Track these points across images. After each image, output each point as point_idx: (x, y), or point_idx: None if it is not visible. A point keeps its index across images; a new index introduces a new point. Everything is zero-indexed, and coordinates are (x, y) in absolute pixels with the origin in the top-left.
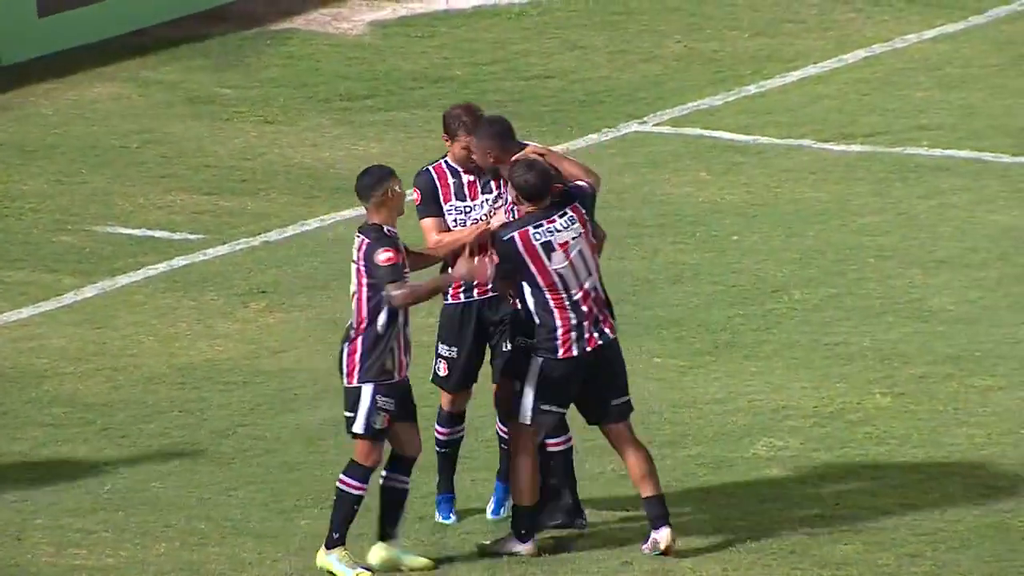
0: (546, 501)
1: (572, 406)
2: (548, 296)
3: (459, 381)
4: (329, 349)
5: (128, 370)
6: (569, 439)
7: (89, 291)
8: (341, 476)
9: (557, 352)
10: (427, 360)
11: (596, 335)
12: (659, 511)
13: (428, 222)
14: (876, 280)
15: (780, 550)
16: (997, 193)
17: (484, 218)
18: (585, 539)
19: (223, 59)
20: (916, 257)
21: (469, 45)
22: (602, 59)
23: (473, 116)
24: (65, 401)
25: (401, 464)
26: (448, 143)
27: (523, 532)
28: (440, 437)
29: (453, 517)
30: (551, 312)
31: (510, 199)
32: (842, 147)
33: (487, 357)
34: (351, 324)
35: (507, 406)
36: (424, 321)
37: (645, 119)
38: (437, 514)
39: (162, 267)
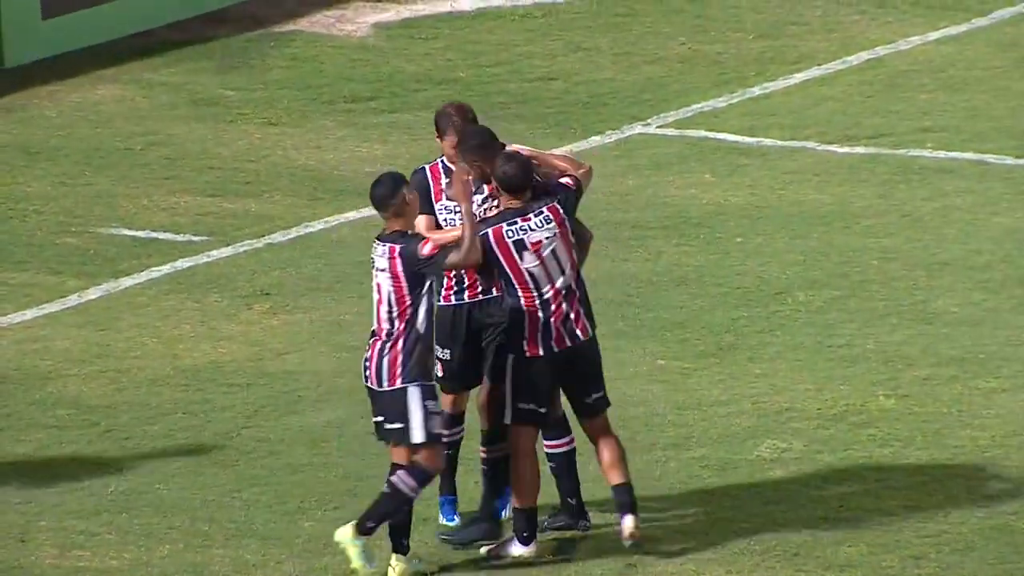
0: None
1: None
2: (520, 294)
3: (456, 383)
4: (333, 351)
5: (132, 372)
6: (571, 440)
7: (93, 293)
8: (400, 473)
9: (525, 350)
10: None
11: (566, 335)
12: (626, 499)
13: (419, 220)
14: (880, 282)
15: (784, 552)
16: (1001, 195)
17: (479, 215)
18: (588, 541)
19: (227, 61)
20: (920, 259)
21: (473, 47)
22: (606, 61)
23: (463, 116)
24: (69, 403)
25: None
26: (440, 141)
27: (525, 534)
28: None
29: (456, 519)
30: (521, 310)
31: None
32: (846, 149)
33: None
34: (385, 332)
35: (490, 411)
36: None
37: (649, 121)
38: (440, 516)
39: (166, 269)
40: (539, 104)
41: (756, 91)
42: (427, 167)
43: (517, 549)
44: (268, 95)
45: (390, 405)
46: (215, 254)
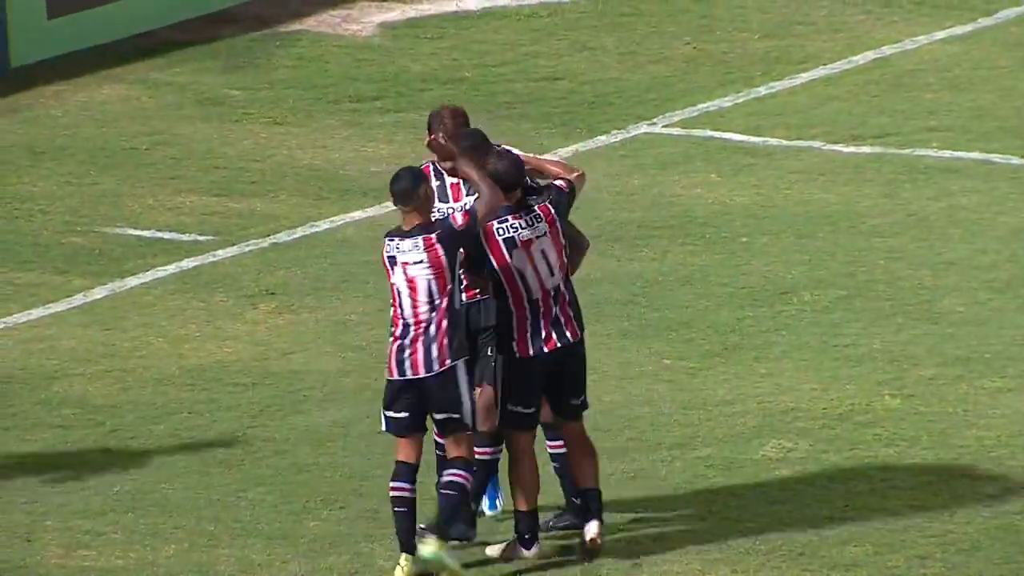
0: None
1: None
2: (508, 293)
3: None
4: (338, 351)
5: (137, 372)
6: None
7: (98, 292)
8: (454, 471)
9: (515, 352)
10: None
11: (556, 337)
12: (596, 505)
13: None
14: (886, 282)
15: (789, 551)
16: (1007, 195)
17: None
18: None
19: (232, 60)
20: (926, 259)
21: (478, 46)
22: (612, 60)
23: (455, 120)
24: (74, 402)
25: (413, 473)
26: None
27: (527, 536)
28: (439, 439)
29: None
30: (510, 311)
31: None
32: (852, 149)
33: None
34: (424, 321)
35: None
36: None
37: (654, 120)
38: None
39: (171, 268)
40: (545, 104)
41: (762, 91)
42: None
43: (521, 552)
44: (274, 95)
45: (440, 391)
46: (221, 254)
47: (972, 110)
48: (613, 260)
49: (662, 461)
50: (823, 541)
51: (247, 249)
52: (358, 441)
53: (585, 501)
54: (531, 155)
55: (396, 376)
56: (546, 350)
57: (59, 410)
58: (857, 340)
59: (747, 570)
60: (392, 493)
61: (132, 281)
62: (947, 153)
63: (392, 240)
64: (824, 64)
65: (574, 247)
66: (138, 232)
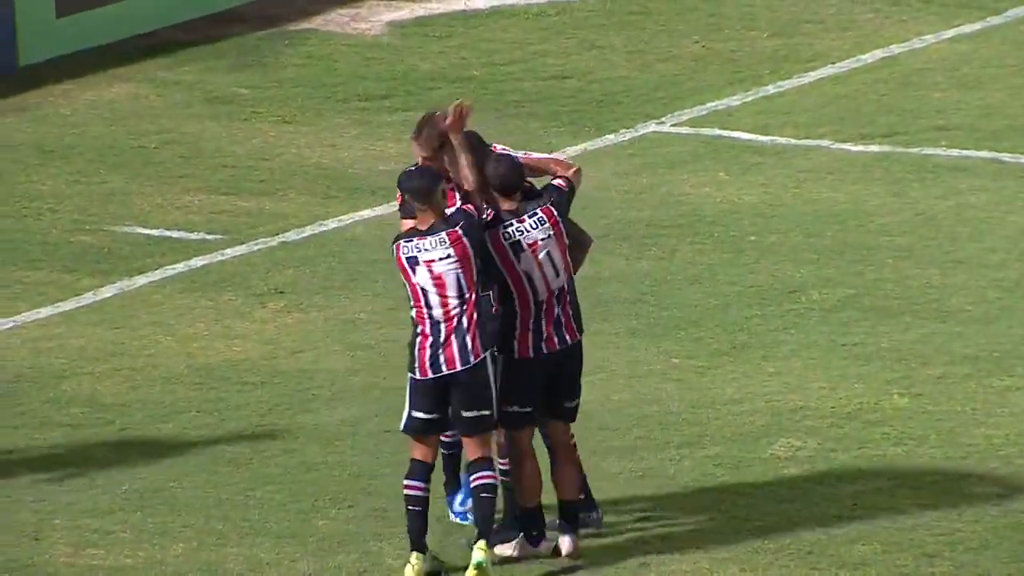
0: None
1: None
2: (515, 296)
3: None
4: (347, 349)
5: (146, 370)
6: (571, 436)
7: (107, 291)
8: (485, 473)
9: (515, 352)
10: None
11: (557, 338)
12: (574, 517)
13: (409, 223)
14: (894, 281)
15: (798, 550)
16: (1015, 194)
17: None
18: (602, 540)
19: (241, 59)
20: (934, 257)
21: (487, 45)
22: (620, 59)
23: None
24: (83, 401)
25: (428, 472)
26: (414, 140)
27: (535, 534)
28: (444, 439)
29: (471, 516)
30: (514, 312)
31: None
32: (860, 147)
33: None
34: (455, 316)
35: None
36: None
37: (663, 119)
38: (451, 515)
39: (180, 267)
40: (553, 102)
41: (770, 89)
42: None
43: (528, 548)
44: (282, 93)
45: (471, 386)
46: (229, 252)
47: (981, 109)
48: (621, 259)
49: (671, 460)
50: (831, 539)
51: (256, 248)
52: (367, 440)
53: (564, 513)
54: (526, 153)
55: (431, 375)
56: (546, 351)
57: (68, 409)
58: (865, 339)
59: (755, 569)
60: (406, 492)
61: (141, 280)
62: (956, 152)
63: (410, 241)
64: (833, 63)
65: (576, 245)
66: (147, 231)
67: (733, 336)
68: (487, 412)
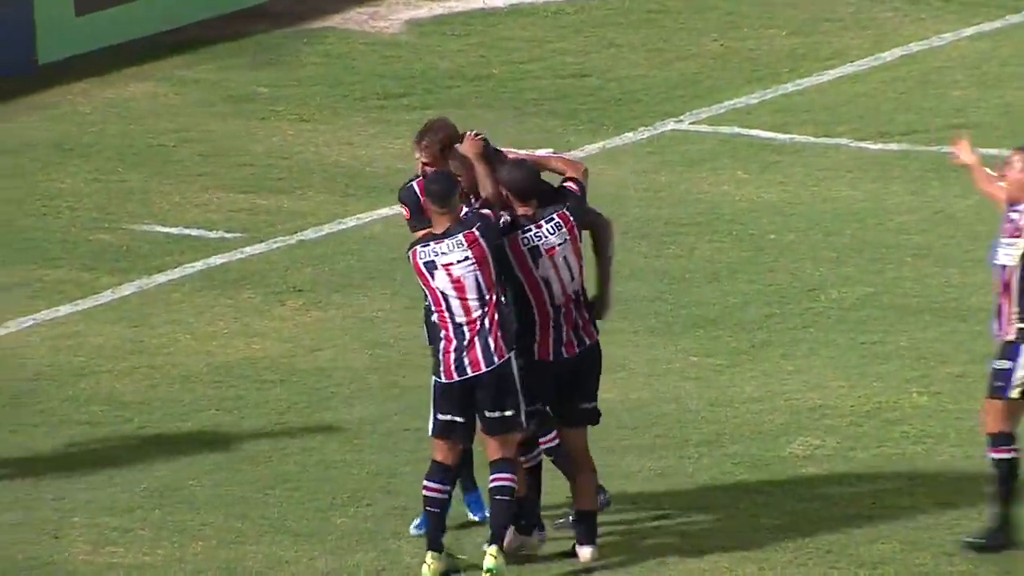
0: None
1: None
2: (532, 300)
3: None
4: (366, 347)
5: (165, 368)
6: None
7: (127, 289)
8: (504, 475)
9: (535, 354)
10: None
11: (575, 340)
12: (591, 529)
13: (420, 235)
14: (913, 279)
15: (817, 549)
16: None
17: None
18: (621, 538)
19: (260, 57)
20: (953, 256)
21: (505, 43)
22: (639, 57)
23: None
24: (102, 399)
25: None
26: (416, 146)
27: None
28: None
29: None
30: (533, 316)
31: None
32: (879, 146)
33: None
34: (478, 318)
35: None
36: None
37: (682, 117)
38: (469, 513)
39: (199, 265)
40: (572, 100)
41: (789, 87)
42: (414, 183)
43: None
44: (301, 92)
45: (495, 387)
46: (248, 251)
47: (1000, 107)
48: (640, 257)
49: (689, 458)
50: (850, 538)
51: (275, 246)
52: (385, 438)
53: (582, 522)
54: (532, 152)
55: (456, 378)
56: (566, 355)
57: (87, 407)
58: (884, 337)
59: (774, 567)
60: (426, 492)
61: (160, 278)
62: (975, 150)
63: (427, 246)
64: (851, 61)
65: (598, 232)
66: (166, 229)
67: (752, 334)
68: (510, 413)
